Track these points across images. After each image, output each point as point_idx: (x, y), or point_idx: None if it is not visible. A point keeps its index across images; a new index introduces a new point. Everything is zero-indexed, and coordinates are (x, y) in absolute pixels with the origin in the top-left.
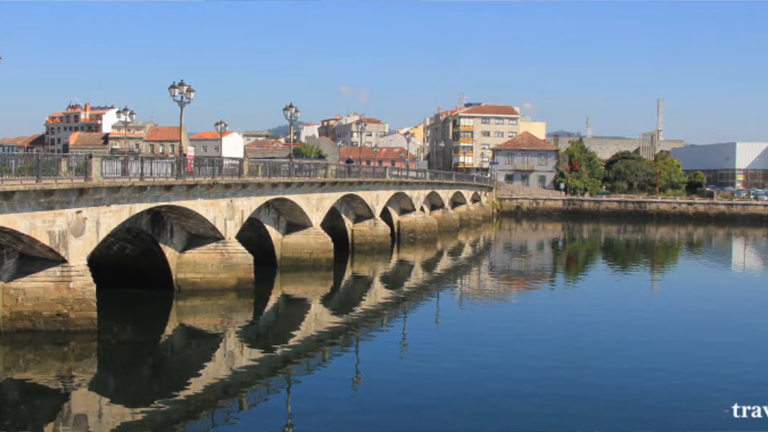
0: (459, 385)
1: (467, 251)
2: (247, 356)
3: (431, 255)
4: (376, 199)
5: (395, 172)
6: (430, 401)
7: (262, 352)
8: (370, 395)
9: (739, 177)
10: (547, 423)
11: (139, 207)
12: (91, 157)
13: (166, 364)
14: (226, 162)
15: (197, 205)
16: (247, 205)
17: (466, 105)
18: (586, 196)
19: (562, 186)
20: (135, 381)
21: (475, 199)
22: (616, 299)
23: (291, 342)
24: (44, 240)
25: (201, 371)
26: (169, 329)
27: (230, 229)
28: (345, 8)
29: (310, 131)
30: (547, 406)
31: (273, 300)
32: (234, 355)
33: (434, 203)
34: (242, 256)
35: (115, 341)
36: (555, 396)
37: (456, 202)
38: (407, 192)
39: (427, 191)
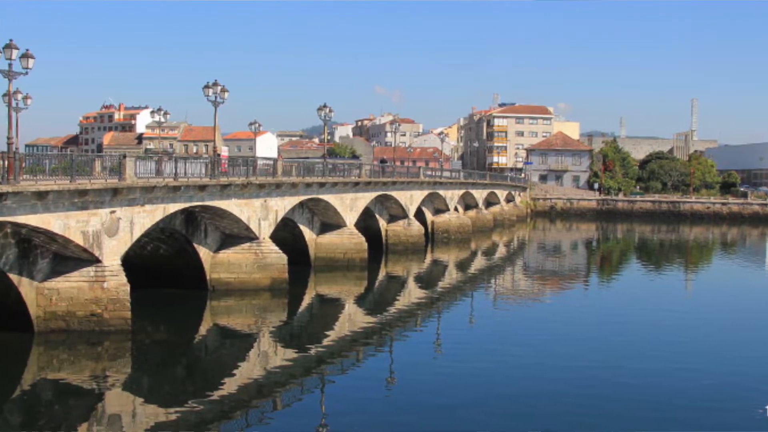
0: (493, 385)
1: (501, 251)
2: (281, 356)
3: (465, 255)
4: (410, 199)
5: (429, 172)
6: (464, 401)
7: (296, 352)
8: (404, 395)
9: None
10: (581, 423)
11: (173, 207)
12: (125, 157)
13: (200, 364)
14: (260, 162)
15: (231, 205)
16: (281, 205)
17: (500, 105)
18: (620, 196)
19: (596, 186)
20: (169, 381)
21: (509, 199)
22: (649, 299)
23: (325, 342)
24: (78, 240)
25: (235, 371)
26: (203, 329)
27: (264, 229)
28: (379, 9)
29: (344, 131)
30: (580, 406)
31: (307, 300)
32: (268, 355)
33: (468, 203)
34: (276, 256)
35: (149, 341)
36: (588, 396)
37: (490, 202)
38: (441, 192)
39: (461, 191)
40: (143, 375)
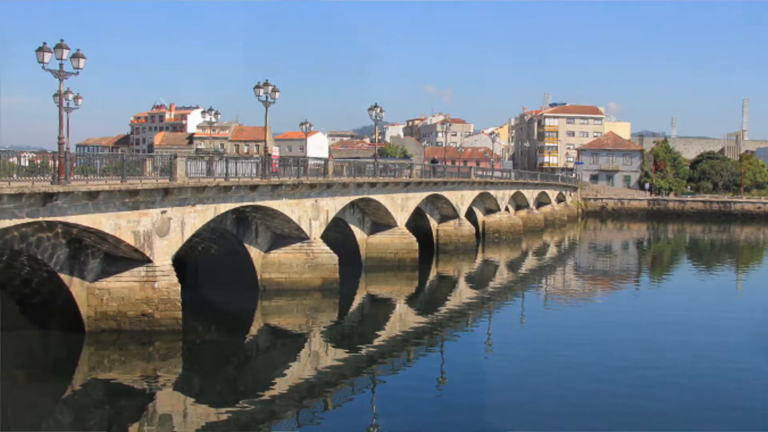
0: (544, 385)
1: (552, 251)
2: (332, 356)
3: (516, 255)
4: (461, 199)
5: (480, 172)
6: (515, 401)
7: (346, 352)
8: (455, 395)
9: None
10: (632, 423)
11: (224, 207)
12: (175, 157)
13: (251, 364)
14: (311, 162)
15: (282, 205)
16: (332, 205)
17: (551, 105)
18: (671, 196)
19: (647, 186)
20: (220, 381)
21: (560, 199)
22: (700, 300)
23: (376, 342)
24: (129, 240)
25: (286, 371)
26: (253, 329)
27: (315, 229)
28: (429, 8)
29: (395, 131)
30: (632, 406)
31: (358, 300)
32: (319, 355)
33: (519, 203)
34: (327, 256)
35: (200, 341)
36: (640, 396)
37: (541, 202)
38: (492, 192)
39: (512, 191)
40: (194, 375)
